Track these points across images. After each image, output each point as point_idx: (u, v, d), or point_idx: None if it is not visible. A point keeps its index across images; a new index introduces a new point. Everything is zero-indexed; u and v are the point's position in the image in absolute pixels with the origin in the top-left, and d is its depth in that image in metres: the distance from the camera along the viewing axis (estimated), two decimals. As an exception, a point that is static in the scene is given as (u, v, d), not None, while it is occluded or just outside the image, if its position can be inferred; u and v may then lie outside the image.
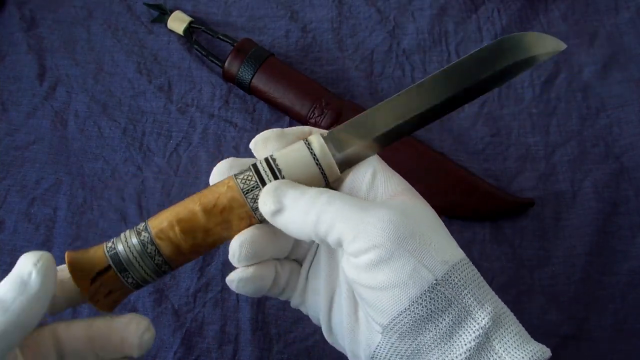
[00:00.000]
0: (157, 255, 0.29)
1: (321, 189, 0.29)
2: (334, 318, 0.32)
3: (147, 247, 0.29)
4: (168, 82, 0.56)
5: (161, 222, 0.29)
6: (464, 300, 0.27)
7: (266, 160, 0.29)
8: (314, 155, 0.29)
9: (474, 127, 0.53)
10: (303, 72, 0.55)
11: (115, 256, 0.29)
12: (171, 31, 0.58)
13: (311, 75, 0.55)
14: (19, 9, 0.59)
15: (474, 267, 0.28)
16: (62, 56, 0.57)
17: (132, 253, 0.29)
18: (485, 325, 0.26)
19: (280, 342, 0.46)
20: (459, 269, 0.27)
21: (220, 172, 0.31)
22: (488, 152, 0.52)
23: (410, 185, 0.31)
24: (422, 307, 0.26)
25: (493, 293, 0.28)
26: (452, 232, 0.52)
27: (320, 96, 0.52)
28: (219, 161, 0.52)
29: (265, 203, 0.28)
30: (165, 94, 0.55)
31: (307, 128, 0.32)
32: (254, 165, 0.30)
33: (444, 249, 0.28)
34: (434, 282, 0.26)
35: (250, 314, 0.47)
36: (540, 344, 0.27)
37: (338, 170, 0.30)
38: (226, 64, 0.53)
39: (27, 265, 0.27)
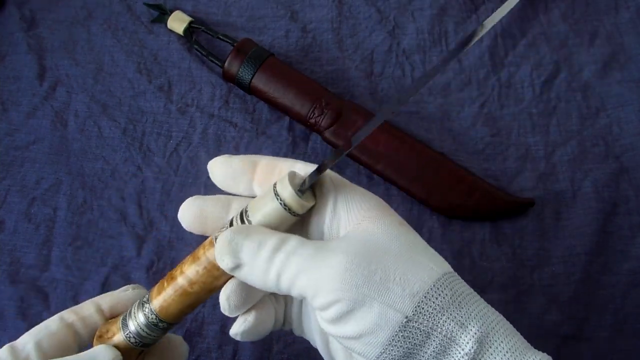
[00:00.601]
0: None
1: (279, 237, 0.27)
2: (332, 352, 0.32)
3: (170, 329, 0.32)
4: (168, 82, 0.56)
5: (174, 313, 0.31)
6: (444, 327, 0.25)
7: (242, 219, 0.29)
8: (289, 209, 0.28)
9: (474, 127, 0.53)
10: (303, 72, 0.55)
11: (144, 345, 0.32)
12: (171, 31, 0.58)
13: (311, 75, 0.55)
14: (19, 9, 0.59)
15: (454, 283, 0.27)
16: (62, 56, 0.57)
17: (153, 336, 0.32)
18: (470, 350, 0.25)
19: (280, 342, 0.46)
20: (433, 294, 0.26)
21: (190, 211, 0.32)
22: (488, 152, 0.52)
23: (375, 201, 0.29)
24: (398, 347, 0.26)
25: (481, 305, 0.27)
26: (452, 232, 0.52)
27: (320, 96, 0.52)
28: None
29: (222, 259, 0.28)
30: (165, 94, 0.55)
31: (255, 157, 0.31)
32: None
33: (412, 278, 0.26)
34: (405, 320, 0.25)
35: (250, 314, 0.47)
36: (538, 355, 0.25)
37: (311, 205, 0.29)
38: (226, 64, 0.53)
39: (104, 356, 0.30)
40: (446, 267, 0.27)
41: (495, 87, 0.55)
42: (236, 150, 0.53)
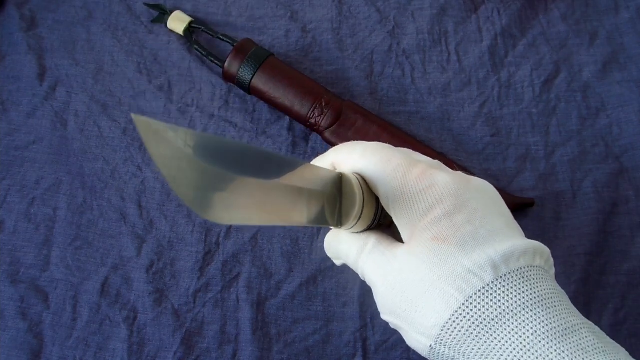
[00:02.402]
0: None
1: (360, 244, 0.31)
2: None
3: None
4: (168, 82, 0.56)
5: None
6: (465, 358, 0.27)
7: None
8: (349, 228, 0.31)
9: (474, 127, 0.53)
10: (303, 72, 0.55)
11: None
12: (171, 31, 0.58)
13: (311, 75, 0.55)
14: (19, 9, 0.59)
15: (479, 307, 0.26)
16: (62, 56, 0.57)
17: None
18: None
19: (280, 342, 0.46)
20: (450, 327, 0.26)
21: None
22: (488, 152, 0.52)
23: (431, 198, 0.29)
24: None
25: (507, 330, 0.25)
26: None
27: (320, 96, 0.52)
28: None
29: (332, 259, 0.35)
30: (165, 94, 0.55)
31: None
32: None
33: (429, 311, 0.27)
34: (429, 348, 0.28)
35: (250, 314, 0.47)
36: None
37: (358, 214, 0.30)
38: (226, 64, 0.53)
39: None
40: (479, 282, 0.26)
41: (495, 87, 0.55)
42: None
